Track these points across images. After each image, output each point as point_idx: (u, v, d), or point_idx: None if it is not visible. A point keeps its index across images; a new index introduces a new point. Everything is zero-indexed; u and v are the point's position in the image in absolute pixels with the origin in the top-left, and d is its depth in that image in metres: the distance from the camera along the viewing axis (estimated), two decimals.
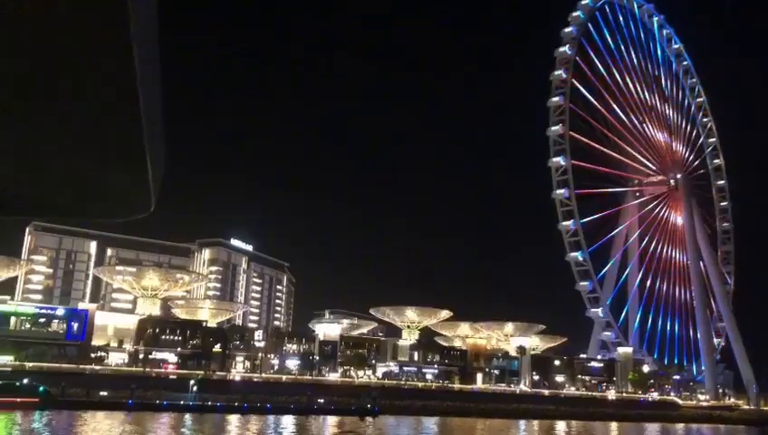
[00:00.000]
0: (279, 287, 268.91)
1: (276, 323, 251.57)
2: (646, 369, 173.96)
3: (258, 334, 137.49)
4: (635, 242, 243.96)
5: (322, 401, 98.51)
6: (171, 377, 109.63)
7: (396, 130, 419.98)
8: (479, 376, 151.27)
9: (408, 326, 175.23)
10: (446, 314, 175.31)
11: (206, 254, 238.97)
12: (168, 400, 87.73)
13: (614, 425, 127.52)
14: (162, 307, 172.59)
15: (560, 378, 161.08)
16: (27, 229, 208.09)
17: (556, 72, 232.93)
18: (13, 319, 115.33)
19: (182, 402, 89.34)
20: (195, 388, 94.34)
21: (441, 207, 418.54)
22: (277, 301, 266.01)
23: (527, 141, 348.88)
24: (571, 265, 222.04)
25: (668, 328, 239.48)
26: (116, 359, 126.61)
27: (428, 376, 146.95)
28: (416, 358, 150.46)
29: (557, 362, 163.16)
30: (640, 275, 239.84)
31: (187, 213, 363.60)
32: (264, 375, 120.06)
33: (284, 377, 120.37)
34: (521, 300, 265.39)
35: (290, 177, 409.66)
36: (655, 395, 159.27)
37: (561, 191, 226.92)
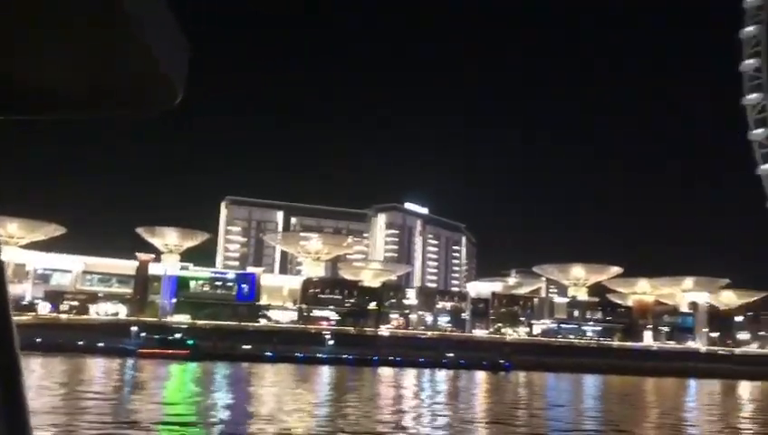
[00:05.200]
0: (456, 248, 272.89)
1: (454, 283, 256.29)
2: None
3: (410, 293, 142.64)
4: None
5: (452, 355, 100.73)
6: (325, 333, 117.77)
7: (558, 81, 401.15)
8: (647, 334, 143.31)
9: (575, 284, 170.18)
10: (615, 270, 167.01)
11: (382, 218, 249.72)
12: (304, 353, 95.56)
13: None
14: (332, 269, 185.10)
15: (743, 336, 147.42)
16: (223, 204, 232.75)
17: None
18: (192, 283, 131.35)
19: (319, 355, 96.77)
20: (330, 342, 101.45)
21: (626, 156, 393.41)
22: (455, 262, 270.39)
23: (719, 78, 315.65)
24: None
25: None
26: (286, 317, 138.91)
27: (589, 334, 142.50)
28: (575, 315, 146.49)
29: (739, 319, 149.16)
30: None
31: (366, 179, 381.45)
32: (409, 331, 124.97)
33: (429, 333, 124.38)
34: (720, 255, 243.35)
35: (463, 137, 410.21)
36: None
37: (760, 131, 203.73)
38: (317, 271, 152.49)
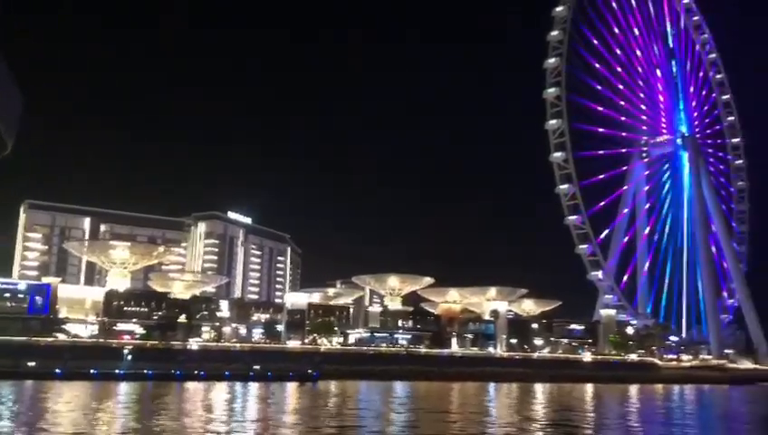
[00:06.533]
0: (281, 259, 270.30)
1: (278, 294, 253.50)
2: (630, 331, 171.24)
3: (224, 305, 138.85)
4: (641, 204, 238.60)
5: (258, 367, 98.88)
6: (126, 347, 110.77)
7: (375, 90, 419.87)
8: (454, 341, 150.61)
9: (391, 293, 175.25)
10: (428, 280, 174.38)
11: (202, 227, 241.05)
12: (98, 369, 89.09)
13: (588, 387, 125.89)
14: (144, 280, 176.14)
15: (539, 341, 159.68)
16: (22, 207, 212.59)
17: (553, 33, 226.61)
18: None
19: (116, 371, 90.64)
20: (129, 357, 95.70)
21: (449, 174, 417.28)
22: (279, 272, 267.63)
23: (521, 104, 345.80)
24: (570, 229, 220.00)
25: (676, 290, 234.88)
26: (87, 331, 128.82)
27: (401, 341, 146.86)
28: (388, 324, 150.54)
29: (535, 326, 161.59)
30: (647, 238, 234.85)
31: (187, 187, 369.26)
32: (219, 344, 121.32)
33: (239, 345, 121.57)
34: (524, 267, 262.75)
35: (290, 150, 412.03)
36: (633, 357, 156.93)
37: (559, 154, 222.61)
38: (123, 282, 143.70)
